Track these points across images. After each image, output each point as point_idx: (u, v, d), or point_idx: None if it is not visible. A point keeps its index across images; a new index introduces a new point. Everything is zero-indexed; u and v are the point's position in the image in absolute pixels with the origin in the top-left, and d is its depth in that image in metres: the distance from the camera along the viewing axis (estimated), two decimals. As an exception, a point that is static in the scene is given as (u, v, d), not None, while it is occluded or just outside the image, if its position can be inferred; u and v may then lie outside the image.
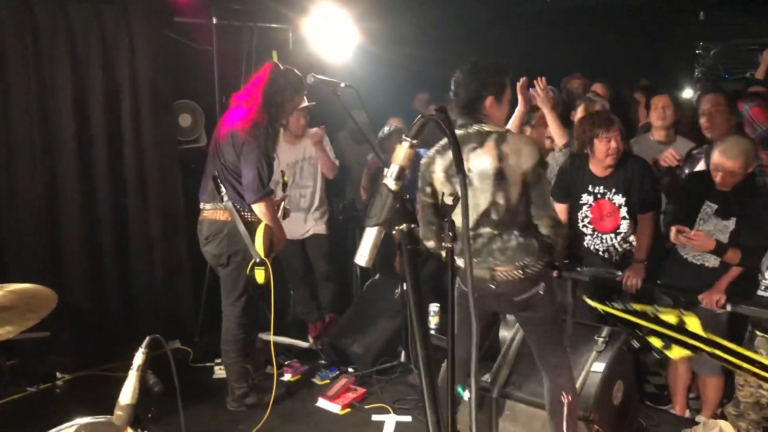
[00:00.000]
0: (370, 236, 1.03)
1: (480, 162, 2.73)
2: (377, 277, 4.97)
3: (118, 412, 1.74)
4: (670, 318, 2.26)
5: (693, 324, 2.18)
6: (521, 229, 2.81)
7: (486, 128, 2.79)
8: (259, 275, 3.70)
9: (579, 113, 4.48)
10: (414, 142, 1.03)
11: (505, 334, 3.92)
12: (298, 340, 5.02)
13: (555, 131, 4.35)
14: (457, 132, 2.80)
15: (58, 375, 4.21)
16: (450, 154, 2.82)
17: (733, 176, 3.47)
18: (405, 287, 4.37)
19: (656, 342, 2.29)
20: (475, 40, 6.76)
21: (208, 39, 5.04)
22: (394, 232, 0.99)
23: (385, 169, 1.04)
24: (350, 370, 4.48)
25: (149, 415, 1.70)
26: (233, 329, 3.95)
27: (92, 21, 4.41)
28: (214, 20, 5.03)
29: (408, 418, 3.94)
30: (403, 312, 4.47)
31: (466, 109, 2.83)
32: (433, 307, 4.41)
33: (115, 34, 4.51)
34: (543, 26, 6.93)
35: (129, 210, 4.69)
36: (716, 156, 3.50)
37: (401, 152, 1.04)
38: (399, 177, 1.03)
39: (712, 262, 3.64)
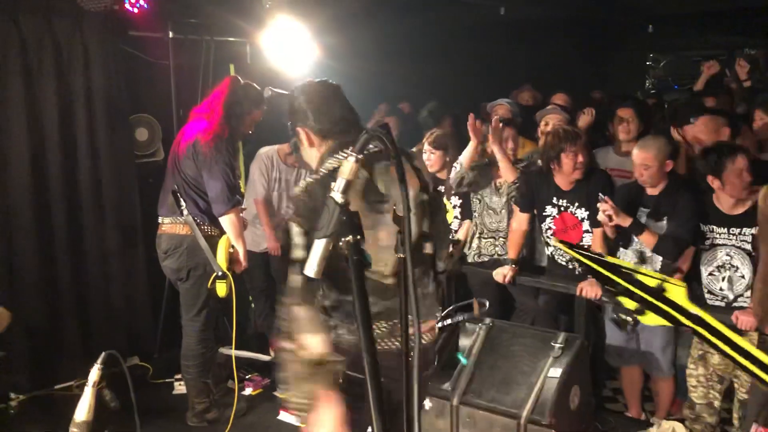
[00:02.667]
0: (318, 248, 1.06)
1: None
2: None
3: (73, 429, 1.74)
4: (650, 281, 1.97)
5: (677, 293, 1.89)
6: None
7: None
8: (221, 289, 3.69)
9: (543, 126, 4.54)
10: (359, 157, 1.07)
11: (464, 342, 3.98)
12: (260, 354, 4.99)
13: (505, 169, 4.30)
14: None
15: (12, 396, 4.12)
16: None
17: (648, 168, 3.60)
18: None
19: (629, 303, 2.04)
20: (430, 53, 6.87)
21: (164, 53, 5.02)
22: (341, 243, 1.02)
23: (332, 183, 1.07)
24: (311, 382, 4.47)
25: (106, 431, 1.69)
26: (193, 344, 3.92)
27: (45, 33, 4.35)
28: (171, 34, 5.01)
29: (369, 430, 3.95)
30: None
31: None
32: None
33: (69, 46, 4.45)
34: (496, 38, 7.07)
35: (85, 225, 4.62)
36: (634, 152, 3.65)
37: (347, 167, 1.08)
38: (345, 191, 1.06)
39: (654, 265, 3.76)
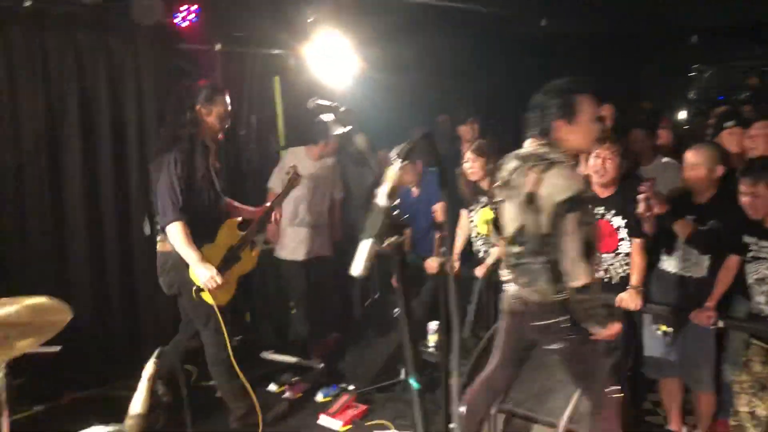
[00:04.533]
0: (364, 249, 1.13)
1: (522, 183, 2.80)
2: (377, 296, 5.06)
3: (129, 421, 1.84)
4: None
5: None
6: (549, 258, 2.77)
7: (547, 153, 2.79)
8: (209, 298, 3.66)
9: None
10: (404, 163, 1.14)
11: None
12: (300, 359, 5.09)
13: None
14: (530, 146, 2.89)
15: (65, 393, 4.28)
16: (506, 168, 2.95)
17: (695, 169, 3.59)
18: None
19: None
20: (471, 66, 6.92)
21: (212, 65, 5.18)
22: (385, 244, 1.09)
23: (377, 189, 1.15)
24: (351, 387, 4.54)
25: (159, 424, 1.78)
26: (214, 352, 3.88)
27: (100, 49, 4.56)
28: (218, 47, 5.17)
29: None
30: (401, 330, 4.54)
31: (540, 132, 2.85)
32: (432, 325, 4.51)
33: (122, 61, 4.65)
34: (538, 51, 7.09)
35: (134, 230, 4.78)
36: (686, 154, 3.69)
37: (392, 173, 1.15)
38: (390, 195, 1.13)
39: (697, 272, 3.73)
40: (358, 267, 1.13)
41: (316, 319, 5.26)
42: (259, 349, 5.22)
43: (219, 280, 3.59)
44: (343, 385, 4.60)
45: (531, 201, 2.73)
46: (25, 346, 1.84)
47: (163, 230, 3.68)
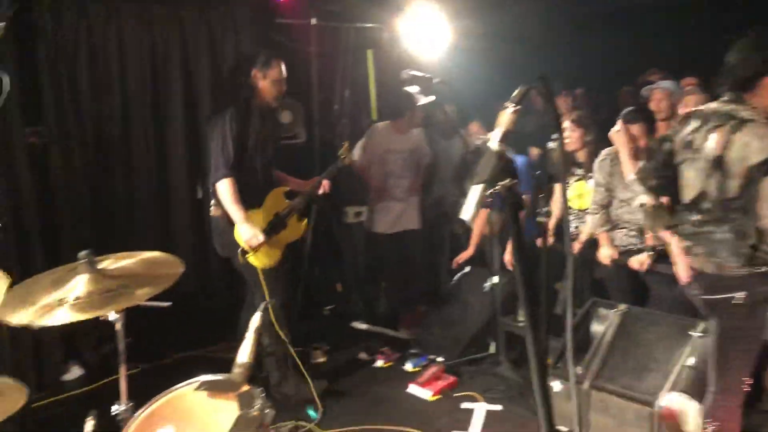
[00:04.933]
0: (474, 194, 1.13)
1: (708, 144, 2.57)
2: (468, 269, 5.05)
3: (236, 370, 1.93)
4: None
5: None
6: (734, 226, 2.55)
7: (736, 111, 2.56)
8: (255, 261, 3.74)
9: (686, 106, 4.36)
10: (517, 107, 1.13)
11: (597, 327, 3.93)
12: (389, 330, 5.17)
13: (625, 165, 4.12)
14: (714, 104, 2.67)
15: (169, 354, 4.52)
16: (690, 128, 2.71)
17: None
18: (495, 280, 4.44)
19: None
20: (564, 38, 6.74)
21: (307, 39, 5.26)
22: (496, 187, 1.09)
23: (488, 134, 1.15)
24: (440, 359, 4.57)
25: (263, 374, 1.85)
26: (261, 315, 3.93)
27: (201, 25, 4.72)
28: (314, 21, 5.25)
29: (498, 407, 4.00)
30: (492, 304, 4.53)
31: (736, 84, 2.59)
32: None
33: (222, 36, 4.80)
34: (625, 22, 6.81)
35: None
36: None
37: (505, 117, 1.15)
38: (503, 139, 1.13)
39: None
40: (467, 212, 1.14)
41: (405, 291, 5.33)
42: (350, 318, 5.33)
43: (261, 238, 3.69)
44: (432, 357, 4.62)
45: (718, 164, 2.50)
46: (144, 294, 1.96)
47: (213, 191, 3.77)
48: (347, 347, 4.89)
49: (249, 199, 3.80)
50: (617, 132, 4.14)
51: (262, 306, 2.02)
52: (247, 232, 3.70)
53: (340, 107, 5.60)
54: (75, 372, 4.30)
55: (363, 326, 5.26)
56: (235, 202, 3.67)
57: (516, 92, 1.13)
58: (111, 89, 4.43)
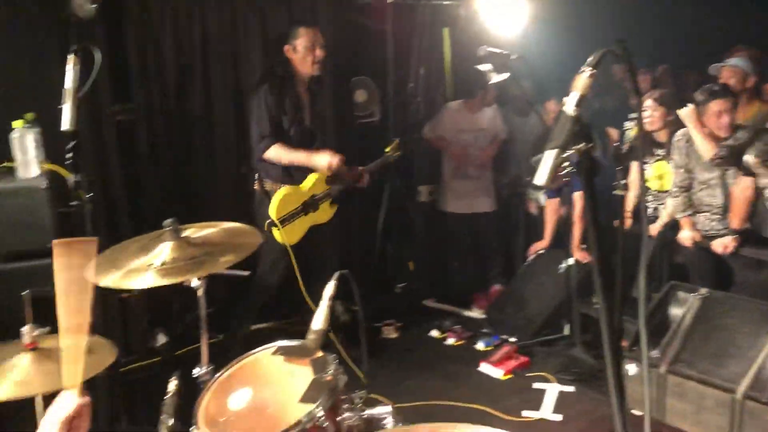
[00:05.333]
0: (549, 159, 1.13)
1: None
2: (543, 250, 4.99)
3: (310, 336, 1.99)
4: None
5: None
6: None
7: None
8: (277, 234, 3.78)
9: None
10: (593, 71, 1.12)
11: (676, 311, 3.83)
12: (461, 309, 5.17)
13: (701, 146, 4.05)
14: None
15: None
16: None
17: None
18: (571, 261, 4.37)
19: None
20: (646, 11, 6.50)
21: (383, 18, 5.26)
22: (572, 150, 1.08)
23: (564, 98, 1.14)
24: (512, 339, 4.54)
25: (337, 341, 1.91)
26: (254, 292, 4.05)
27: (281, 5, 4.79)
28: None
29: (571, 389, 3.96)
30: (567, 286, 4.47)
31: None
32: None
33: (302, 15, 4.84)
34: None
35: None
36: None
37: (581, 81, 1.14)
38: (578, 104, 1.12)
39: None
40: (542, 177, 1.14)
41: (478, 271, 5.31)
42: (422, 297, 5.36)
43: (337, 161, 3.81)
44: (504, 337, 4.60)
45: None
46: (227, 261, 2.05)
47: (257, 166, 3.89)
48: (419, 325, 4.92)
49: (287, 175, 3.91)
50: (688, 112, 4.00)
51: (336, 275, 2.07)
52: (322, 159, 3.82)
53: (415, 86, 5.58)
54: (160, 339, 4.49)
55: (435, 305, 5.28)
56: (294, 152, 3.79)
57: (592, 56, 1.11)
58: (194, 69, 4.56)
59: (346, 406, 1.90)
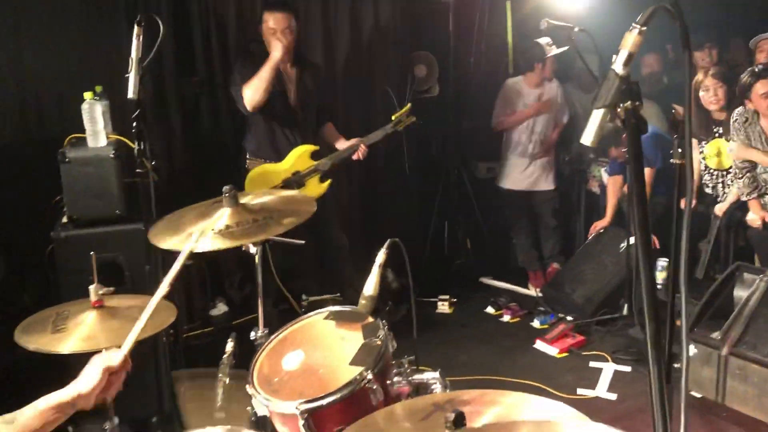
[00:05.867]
0: (596, 118, 1.11)
1: None
2: (604, 229, 4.90)
3: (362, 301, 2.03)
4: None
5: None
6: None
7: None
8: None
9: None
10: (643, 29, 1.10)
11: (740, 293, 3.72)
12: (518, 287, 5.14)
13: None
14: None
15: (303, 297, 4.74)
16: None
17: None
18: (633, 240, 4.29)
19: None
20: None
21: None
22: (618, 109, 1.06)
23: (614, 56, 1.12)
24: (569, 318, 4.50)
25: (387, 308, 1.94)
26: None
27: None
28: (450, -27, 5.18)
29: (627, 369, 3.90)
30: (628, 265, 4.38)
31: None
32: (661, 262, 4.31)
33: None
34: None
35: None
36: None
37: (630, 39, 1.12)
38: (627, 63, 1.10)
39: None
40: (588, 136, 1.12)
41: (536, 249, 5.26)
42: (479, 274, 5.34)
43: (286, 41, 3.83)
44: (561, 315, 4.56)
45: None
46: (288, 223, 2.11)
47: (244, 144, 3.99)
48: (474, 301, 4.92)
49: (266, 152, 3.97)
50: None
51: (387, 243, 2.09)
52: (276, 47, 3.81)
53: (476, 61, 5.53)
54: (220, 308, 4.63)
55: (491, 282, 5.26)
56: (254, 79, 3.78)
57: (643, 13, 1.09)
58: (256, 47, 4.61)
59: (395, 371, 1.93)
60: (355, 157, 4.11)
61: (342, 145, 4.15)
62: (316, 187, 4.02)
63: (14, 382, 2.89)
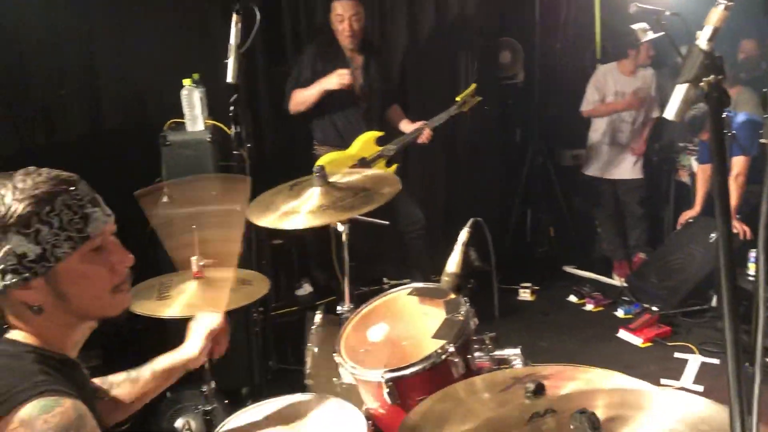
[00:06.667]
0: (680, 92, 1.13)
1: None
2: (693, 219, 4.76)
3: (444, 278, 2.10)
4: None
5: None
6: None
7: None
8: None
9: None
10: (729, 4, 1.10)
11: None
12: (602, 276, 5.07)
13: None
14: None
15: (384, 280, 4.85)
16: None
17: None
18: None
19: None
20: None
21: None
22: (701, 83, 1.08)
23: (698, 33, 1.13)
24: (654, 308, 4.40)
25: (469, 285, 2.00)
26: None
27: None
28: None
29: (715, 361, 3.81)
30: (718, 256, 4.24)
31: None
32: (754, 253, 4.15)
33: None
34: None
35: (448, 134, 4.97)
36: None
37: (715, 14, 1.12)
38: (711, 38, 1.11)
39: None
40: (671, 111, 1.14)
41: (621, 238, 5.17)
42: (562, 262, 5.30)
43: (347, 74, 3.83)
44: (646, 305, 4.47)
45: None
46: (385, 194, 2.19)
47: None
48: (557, 290, 4.89)
49: (333, 140, 4.02)
50: None
51: (470, 222, 2.15)
52: (331, 78, 3.85)
53: (561, 47, 5.47)
54: (306, 289, 4.81)
55: (574, 271, 5.22)
56: (306, 90, 3.91)
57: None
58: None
59: (476, 346, 1.99)
60: (419, 140, 4.09)
61: (407, 127, 4.16)
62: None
63: (121, 345, 3.11)
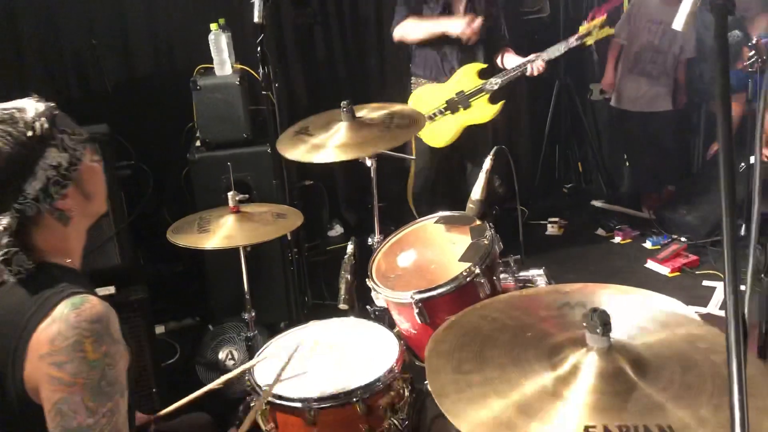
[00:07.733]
0: (687, 3, 1.16)
1: None
2: (713, 151, 4.74)
3: (469, 205, 2.18)
4: None
5: None
6: None
7: None
8: (424, 136, 3.71)
9: None
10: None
11: None
12: (630, 209, 5.09)
13: None
14: None
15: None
16: None
17: None
18: (752, 161, 4.14)
19: None
20: None
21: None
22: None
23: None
24: (683, 239, 4.44)
25: (494, 212, 2.07)
26: None
27: None
28: None
29: (742, 287, 3.84)
30: (747, 186, 4.24)
31: None
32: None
33: None
34: None
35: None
36: None
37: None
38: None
39: None
40: (679, 22, 1.17)
41: (651, 172, 5.15)
42: (590, 197, 5.32)
43: (478, 23, 3.50)
44: (674, 236, 4.50)
45: None
46: (393, 143, 2.26)
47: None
48: (585, 224, 4.93)
49: (433, 74, 3.76)
50: None
51: (494, 150, 2.21)
52: (455, 22, 3.52)
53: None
54: (337, 230, 4.92)
55: (603, 205, 5.23)
56: (423, 22, 3.58)
57: None
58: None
59: (501, 268, 2.07)
60: (529, 73, 3.70)
61: (512, 61, 3.79)
62: (486, 108, 3.74)
63: (162, 285, 3.28)
